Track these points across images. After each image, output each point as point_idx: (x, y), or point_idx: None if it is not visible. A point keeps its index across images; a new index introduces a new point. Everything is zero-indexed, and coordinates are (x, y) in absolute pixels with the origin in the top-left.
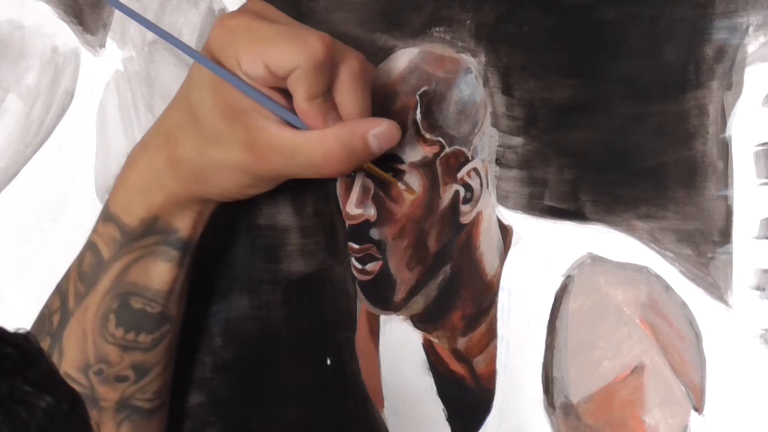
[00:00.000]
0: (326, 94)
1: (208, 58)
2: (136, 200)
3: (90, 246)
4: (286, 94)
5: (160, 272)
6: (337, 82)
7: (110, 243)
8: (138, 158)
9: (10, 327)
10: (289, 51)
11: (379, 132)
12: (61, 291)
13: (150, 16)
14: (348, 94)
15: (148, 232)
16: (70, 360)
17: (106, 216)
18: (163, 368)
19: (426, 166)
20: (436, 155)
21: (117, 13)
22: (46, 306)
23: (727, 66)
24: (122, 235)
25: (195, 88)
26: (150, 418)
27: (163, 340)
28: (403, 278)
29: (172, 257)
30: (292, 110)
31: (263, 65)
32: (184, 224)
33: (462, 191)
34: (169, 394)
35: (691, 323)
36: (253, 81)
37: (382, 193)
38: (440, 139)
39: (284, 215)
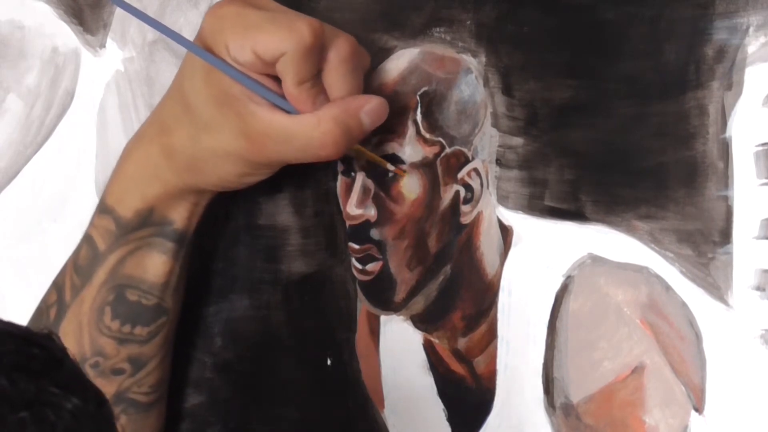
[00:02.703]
0: (315, 78)
1: (201, 46)
2: (132, 192)
3: (86, 239)
4: (277, 79)
5: (155, 264)
6: (327, 65)
7: (106, 235)
8: (133, 150)
9: None
10: (277, 36)
11: (370, 108)
12: (57, 285)
13: (146, 11)
14: (337, 77)
15: (143, 224)
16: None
17: (102, 208)
18: (159, 361)
19: (426, 166)
20: (437, 155)
21: (117, 14)
22: (43, 300)
23: (727, 66)
24: (118, 227)
25: (187, 77)
26: (147, 412)
27: (159, 333)
28: (404, 278)
29: (167, 249)
30: (283, 95)
31: (251, 51)
32: (179, 216)
33: (462, 191)
34: (167, 389)
35: (692, 323)
36: (242, 67)
37: (383, 193)
38: (440, 139)
39: (284, 215)
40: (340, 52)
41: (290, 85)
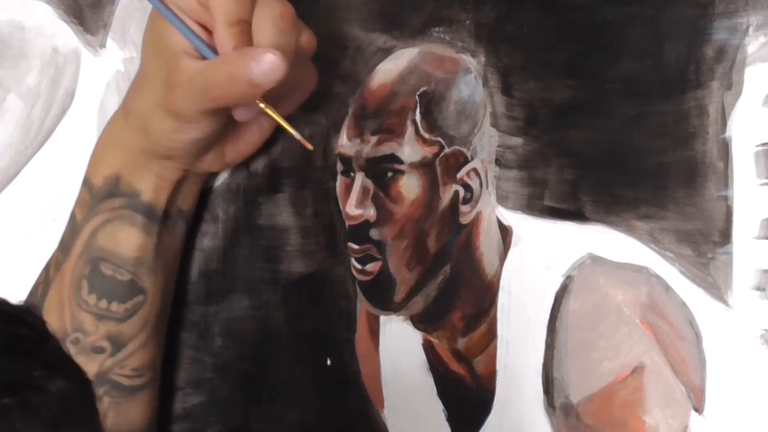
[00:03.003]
0: (244, 27)
1: None
2: (101, 159)
3: (70, 215)
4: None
5: (126, 237)
6: (255, 20)
7: (83, 206)
8: (108, 122)
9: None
10: None
11: (262, 60)
12: (46, 266)
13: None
14: (261, 33)
15: (112, 193)
16: (52, 330)
17: (82, 181)
18: (140, 344)
19: (425, 166)
20: (436, 155)
21: (117, 13)
22: (34, 283)
23: (727, 66)
24: (91, 196)
25: (144, 35)
26: (131, 397)
27: (137, 312)
28: (403, 278)
29: (137, 222)
30: (213, 47)
31: None
32: (145, 187)
33: (461, 191)
34: (154, 376)
35: (691, 323)
36: (184, 14)
37: (382, 193)
38: (440, 139)
39: (284, 215)
40: (271, 9)
41: (218, 25)
